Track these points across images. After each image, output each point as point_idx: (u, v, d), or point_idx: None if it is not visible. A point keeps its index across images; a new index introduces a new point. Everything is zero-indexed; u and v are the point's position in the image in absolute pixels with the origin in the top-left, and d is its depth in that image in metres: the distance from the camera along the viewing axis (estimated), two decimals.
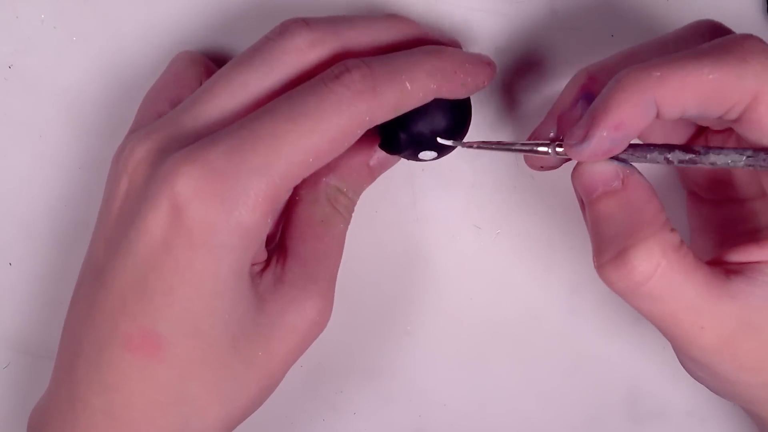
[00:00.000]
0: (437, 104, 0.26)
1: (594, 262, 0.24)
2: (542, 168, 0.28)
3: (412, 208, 0.32)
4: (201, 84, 0.29)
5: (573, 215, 0.32)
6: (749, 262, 0.24)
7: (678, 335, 0.24)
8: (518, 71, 0.31)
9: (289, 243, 0.27)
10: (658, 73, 0.23)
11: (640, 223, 0.23)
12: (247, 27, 0.31)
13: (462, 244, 0.32)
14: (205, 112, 0.25)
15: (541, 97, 0.31)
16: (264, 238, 0.25)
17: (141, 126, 0.28)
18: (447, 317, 0.33)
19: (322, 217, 0.27)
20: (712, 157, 0.24)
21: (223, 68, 0.26)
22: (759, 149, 0.24)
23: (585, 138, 0.23)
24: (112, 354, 0.24)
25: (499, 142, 0.27)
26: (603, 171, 0.24)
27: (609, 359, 0.33)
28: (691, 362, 0.26)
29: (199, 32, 0.31)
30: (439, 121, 0.27)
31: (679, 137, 0.29)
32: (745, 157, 0.24)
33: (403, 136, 0.27)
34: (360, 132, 0.24)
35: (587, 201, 0.25)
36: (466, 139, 0.28)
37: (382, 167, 0.29)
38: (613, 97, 0.23)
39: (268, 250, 0.27)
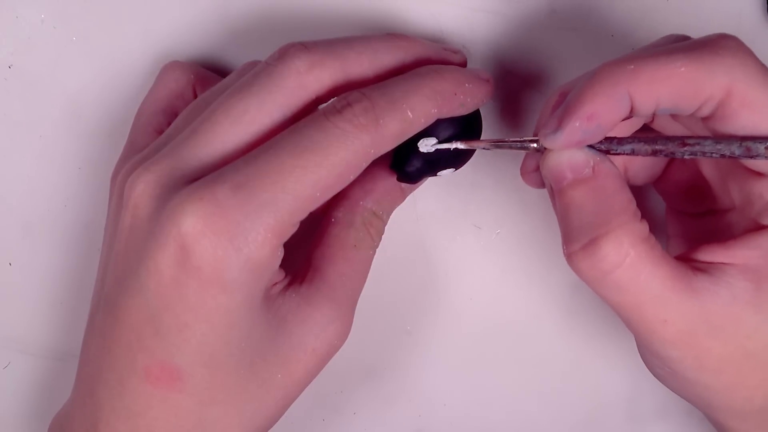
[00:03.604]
0: (447, 126, 0.27)
1: (564, 250, 0.24)
2: (537, 182, 0.28)
3: (412, 208, 0.32)
4: (194, 92, 0.29)
5: None
6: (714, 262, 0.24)
7: (641, 327, 0.24)
8: (518, 71, 0.31)
9: (319, 263, 0.27)
10: (632, 66, 0.23)
11: (610, 212, 0.24)
12: (248, 27, 0.31)
13: (462, 244, 0.32)
14: (207, 143, 0.24)
15: (541, 97, 0.31)
16: (276, 267, 0.24)
17: (137, 143, 0.28)
18: (447, 317, 0.33)
19: (356, 242, 0.27)
20: (698, 147, 0.24)
21: (223, 96, 0.25)
22: (733, 137, 0.24)
23: (558, 128, 0.24)
24: (133, 385, 0.24)
25: (487, 140, 0.27)
26: (573, 158, 0.24)
27: (609, 359, 0.33)
28: (653, 357, 0.26)
29: (199, 33, 0.31)
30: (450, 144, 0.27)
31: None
32: (737, 145, 0.23)
33: (414, 169, 0.27)
34: (365, 164, 0.24)
35: (557, 189, 0.25)
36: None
37: (413, 187, 0.29)
38: (588, 88, 0.23)
39: (293, 263, 0.27)
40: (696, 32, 0.31)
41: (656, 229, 0.31)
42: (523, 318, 0.33)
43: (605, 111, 0.23)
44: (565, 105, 0.24)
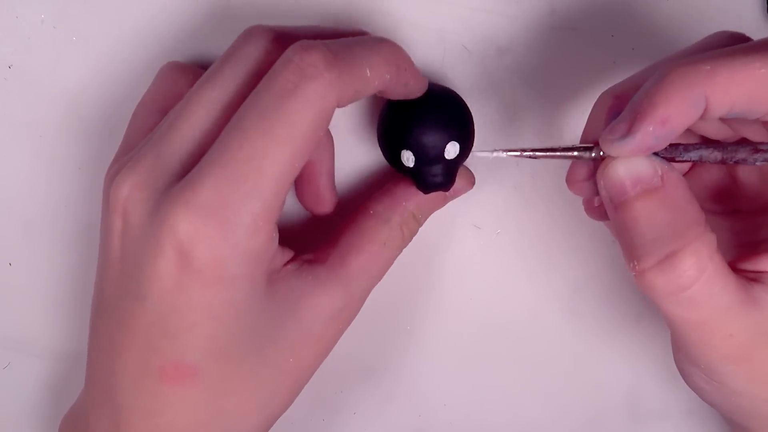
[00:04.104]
0: (440, 126, 0.27)
1: (632, 267, 0.23)
2: (585, 193, 0.26)
3: None
4: None
5: (573, 215, 0.32)
6: (765, 271, 0.24)
7: (702, 343, 0.23)
8: (518, 71, 0.31)
9: (344, 251, 0.27)
10: (708, 67, 0.22)
11: (684, 224, 0.22)
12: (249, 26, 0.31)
13: (462, 244, 0.32)
14: (184, 135, 0.24)
15: (542, 97, 0.31)
16: (274, 249, 0.24)
17: (132, 143, 0.28)
18: (447, 317, 0.33)
19: (387, 240, 0.28)
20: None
21: (195, 86, 0.25)
22: None
23: (628, 133, 0.22)
24: (149, 385, 0.24)
25: (535, 149, 0.25)
26: (640, 167, 0.23)
27: (609, 359, 0.33)
28: (703, 371, 0.25)
29: (199, 33, 0.31)
30: (451, 143, 0.27)
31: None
32: None
33: (440, 179, 0.28)
34: (329, 119, 0.24)
35: (620, 201, 0.23)
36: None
37: (456, 194, 0.30)
38: (661, 90, 0.22)
39: (313, 243, 0.27)
40: (696, 32, 0.31)
41: None
42: (524, 318, 0.33)
43: (680, 115, 0.22)
44: (633, 109, 0.22)
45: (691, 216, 0.23)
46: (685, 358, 0.26)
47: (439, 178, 0.28)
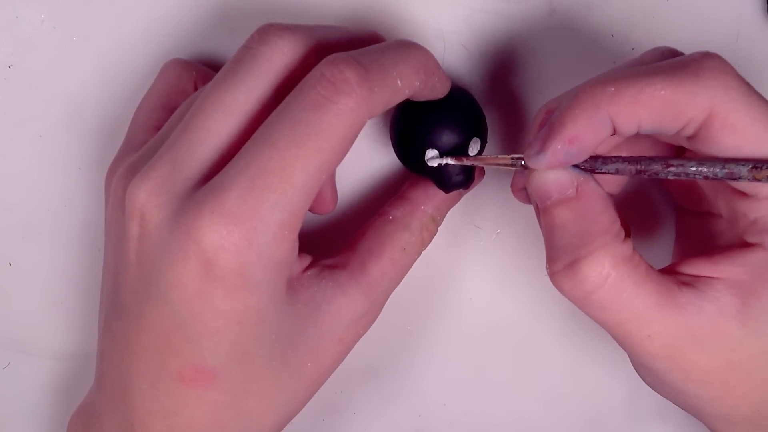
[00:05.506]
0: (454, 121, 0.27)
1: (547, 269, 0.25)
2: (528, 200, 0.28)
3: None
4: (196, 89, 0.29)
5: None
6: (700, 276, 0.24)
7: (627, 342, 0.25)
8: (518, 71, 0.31)
9: (365, 257, 0.27)
10: (612, 89, 0.23)
11: (592, 233, 0.24)
12: (248, 27, 0.31)
13: (462, 244, 0.32)
14: (201, 139, 0.24)
15: (542, 97, 0.31)
16: (296, 255, 0.24)
17: (135, 139, 0.28)
18: (447, 317, 0.33)
19: (406, 245, 0.28)
20: (681, 169, 0.24)
21: (209, 86, 0.25)
22: (716, 159, 0.23)
23: (541, 150, 0.24)
24: (167, 387, 0.24)
25: (477, 158, 0.27)
26: (558, 178, 0.24)
27: (609, 359, 0.33)
28: (642, 368, 0.27)
29: (199, 32, 0.31)
30: (468, 138, 0.28)
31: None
32: (718, 168, 0.23)
33: (462, 177, 0.28)
34: (359, 131, 0.24)
35: (541, 207, 0.25)
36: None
37: (469, 189, 0.30)
38: (569, 111, 0.23)
39: (332, 247, 0.27)
40: (695, 32, 0.31)
41: (667, 226, 0.32)
42: (523, 318, 0.33)
43: (586, 133, 0.23)
44: (548, 127, 0.24)
45: (599, 226, 0.24)
46: (628, 356, 0.27)
47: (461, 176, 0.28)
